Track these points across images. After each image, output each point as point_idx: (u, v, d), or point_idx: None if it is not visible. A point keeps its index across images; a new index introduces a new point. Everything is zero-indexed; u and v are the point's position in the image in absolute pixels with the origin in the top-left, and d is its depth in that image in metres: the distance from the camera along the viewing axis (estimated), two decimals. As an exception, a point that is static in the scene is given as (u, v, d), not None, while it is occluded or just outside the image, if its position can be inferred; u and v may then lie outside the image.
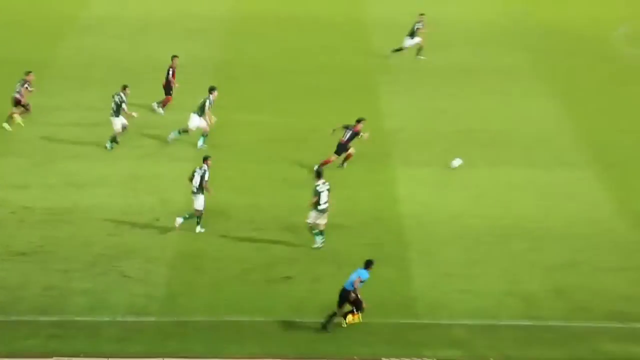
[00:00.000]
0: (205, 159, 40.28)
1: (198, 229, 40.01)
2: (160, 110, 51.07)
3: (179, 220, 39.98)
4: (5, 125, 48.28)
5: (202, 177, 39.81)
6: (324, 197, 38.66)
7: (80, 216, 41.07)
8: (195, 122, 47.34)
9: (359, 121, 45.74)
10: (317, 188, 38.75)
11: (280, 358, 32.48)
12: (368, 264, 34.56)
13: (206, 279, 36.85)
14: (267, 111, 52.12)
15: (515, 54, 61.52)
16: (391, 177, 45.18)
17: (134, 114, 47.07)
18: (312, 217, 38.85)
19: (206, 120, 47.26)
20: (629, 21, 67.26)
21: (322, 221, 38.92)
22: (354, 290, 34.01)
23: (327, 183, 38.79)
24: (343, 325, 33.89)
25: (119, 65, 57.97)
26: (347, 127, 45.63)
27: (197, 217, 40.11)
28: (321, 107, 52.07)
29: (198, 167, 39.99)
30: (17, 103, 48.27)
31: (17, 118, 48.27)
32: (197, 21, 66.41)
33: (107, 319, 34.27)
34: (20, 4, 68.07)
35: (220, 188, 41.91)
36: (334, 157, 45.69)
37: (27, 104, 48.45)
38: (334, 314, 34.04)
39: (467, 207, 42.43)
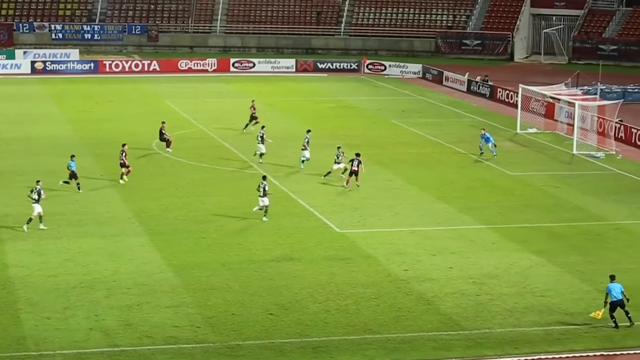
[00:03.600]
0: (264, 177, 46.99)
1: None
2: None
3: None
4: None
5: (264, 188, 45.90)
6: None
7: None
8: (307, 154, 56.20)
9: (357, 155, 52.65)
10: None
11: None
12: (613, 277, 34.96)
13: None
14: None
15: (87, 158, 59.66)
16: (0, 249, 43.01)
17: None
18: None
19: (308, 151, 56.29)
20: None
21: None
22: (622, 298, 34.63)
23: None
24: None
25: None
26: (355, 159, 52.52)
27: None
28: None
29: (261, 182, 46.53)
30: None
31: None
32: None
33: None
34: None
35: None
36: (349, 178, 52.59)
37: None
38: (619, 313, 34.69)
39: (60, 269, 40.69)
